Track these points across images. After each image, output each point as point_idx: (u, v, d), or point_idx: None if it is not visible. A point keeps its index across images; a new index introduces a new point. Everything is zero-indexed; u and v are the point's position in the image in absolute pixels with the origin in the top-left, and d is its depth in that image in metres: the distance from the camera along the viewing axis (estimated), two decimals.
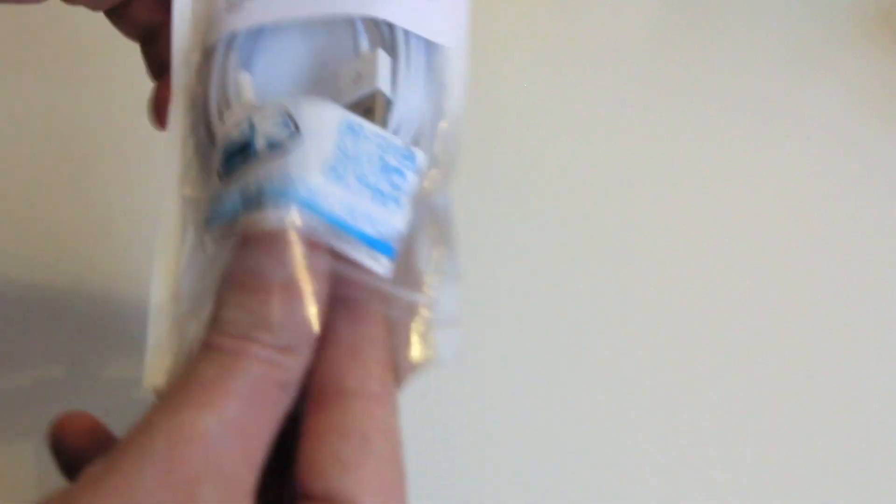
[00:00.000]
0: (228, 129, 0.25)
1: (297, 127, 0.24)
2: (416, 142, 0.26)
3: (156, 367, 0.24)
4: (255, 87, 0.27)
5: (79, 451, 0.23)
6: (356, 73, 0.25)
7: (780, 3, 0.60)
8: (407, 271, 0.24)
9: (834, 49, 0.58)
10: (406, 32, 0.27)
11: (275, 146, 0.23)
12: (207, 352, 0.20)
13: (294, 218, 0.22)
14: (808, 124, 0.54)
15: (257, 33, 0.27)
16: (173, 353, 0.24)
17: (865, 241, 0.49)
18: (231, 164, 0.24)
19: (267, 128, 0.24)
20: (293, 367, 0.20)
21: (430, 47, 0.27)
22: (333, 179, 0.23)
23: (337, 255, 0.21)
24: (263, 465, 0.19)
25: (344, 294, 0.21)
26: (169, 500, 0.17)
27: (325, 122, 0.24)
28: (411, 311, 0.23)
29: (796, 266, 0.48)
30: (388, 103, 0.24)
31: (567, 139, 0.52)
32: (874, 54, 0.58)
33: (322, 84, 0.27)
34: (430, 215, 0.25)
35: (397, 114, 0.25)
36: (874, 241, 0.49)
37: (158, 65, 0.29)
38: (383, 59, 0.25)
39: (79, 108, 0.47)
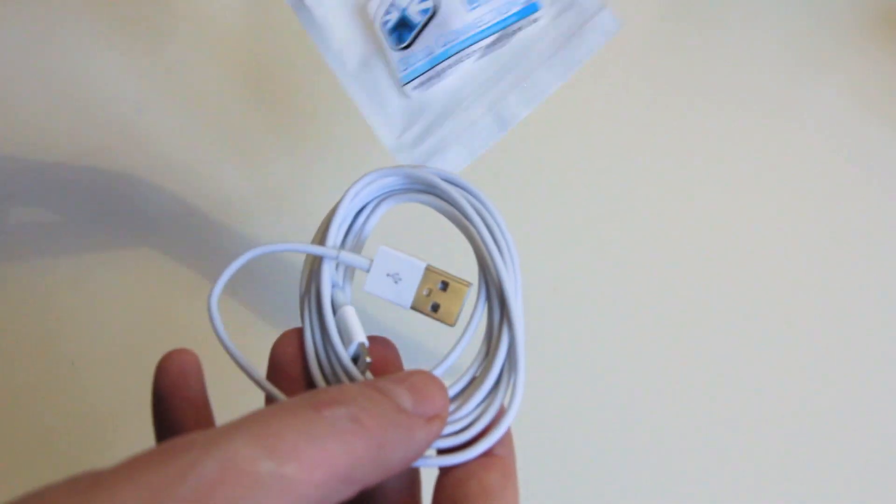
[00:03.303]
0: (379, 17, 0.35)
1: None
2: None
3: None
4: None
5: (169, 386, 0.25)
6: None
7: (780, 3, 0.60)
8: None
9: (834, 49, 0.58)
10: None
11: (427, 13, 0.34)
12: (320, 407, 0.20)
13: None
14: (808, 124, 0.55)
15: None
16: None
17: (865, 241, 0.49)
18: (402, 37, 0.35)
19: (412, 6, 0.34)
20: (381, 465, 0.21)
21: None
22: (476, 6, 0.34)
23: None
24: None
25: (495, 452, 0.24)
26: None
27: None
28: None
29: (796, 265, 0.48)
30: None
31: (566, 139, 0.52)
32: (874, 54, 0.58)
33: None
34: None
35: None
36: (874, 241, 0.49)
37: None
38: None
39: None
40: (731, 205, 0.50)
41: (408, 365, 0.26)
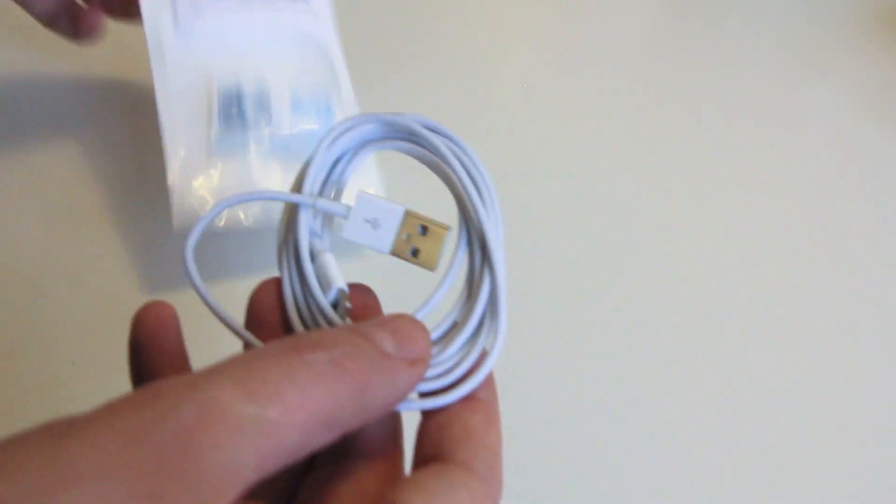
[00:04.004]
0: (221, 96, 0.40)
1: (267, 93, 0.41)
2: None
3: (180, 215, 0.40)
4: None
5: (147, 337, 0.25)
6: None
7: (780, 3, 0.60)
8: None
9: (834, 49, 0.59)
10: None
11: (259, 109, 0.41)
12: (302, 351, 0.20)
13: None
14: (808, 124, 0.54)
15: None
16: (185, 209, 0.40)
17: (865, 241, 0.49)
18: (228, 119, 0.40)
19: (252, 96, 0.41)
20: (366, 406, 0.20)
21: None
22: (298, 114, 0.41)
23: None
24: (271, 474, 0.19)
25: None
26: (170, 461, 0.17)
27: (282, 80, 0.41)
28: None
29: (795, 264, 0.47)
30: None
31: (566, 139, 0.52)
32: (874, 54, 0.58)
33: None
34: None
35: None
36: (874, 240, 0.49)
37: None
38: None
39: None
40: (730, 203, 0.50)
41: (388, 312, 0.26)
